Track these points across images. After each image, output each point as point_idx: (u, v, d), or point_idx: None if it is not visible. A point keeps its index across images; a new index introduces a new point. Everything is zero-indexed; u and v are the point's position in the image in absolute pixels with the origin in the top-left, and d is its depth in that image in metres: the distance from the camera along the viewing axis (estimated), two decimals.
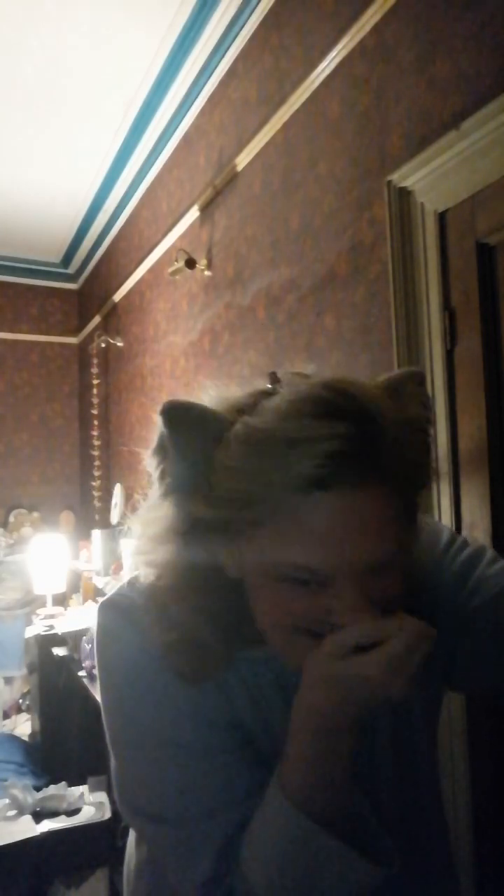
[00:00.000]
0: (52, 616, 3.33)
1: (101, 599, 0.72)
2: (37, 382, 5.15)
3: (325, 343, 2.00)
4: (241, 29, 2.43)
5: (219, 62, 2.62)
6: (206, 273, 2.80)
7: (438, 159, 1.52)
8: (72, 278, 5.17)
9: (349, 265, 1.89)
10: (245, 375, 2.50)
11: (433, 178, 1.56)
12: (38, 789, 2.17)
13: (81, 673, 2.68)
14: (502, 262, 1.47)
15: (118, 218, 4.03)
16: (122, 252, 4.12)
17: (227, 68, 2.61)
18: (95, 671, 1.25)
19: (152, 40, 2.65)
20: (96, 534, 3.68)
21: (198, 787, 0.63)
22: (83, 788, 2.17)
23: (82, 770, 2.39)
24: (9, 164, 3.64)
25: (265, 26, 2.33)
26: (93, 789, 2.18)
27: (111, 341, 4.18)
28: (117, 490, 3.97)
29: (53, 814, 2.05)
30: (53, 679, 3.08)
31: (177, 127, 3.08)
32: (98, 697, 0.72)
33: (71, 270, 5.10)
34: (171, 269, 2.87)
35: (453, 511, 1.52)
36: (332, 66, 1.94)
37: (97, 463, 4.41)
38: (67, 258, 4.95)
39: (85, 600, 3.66)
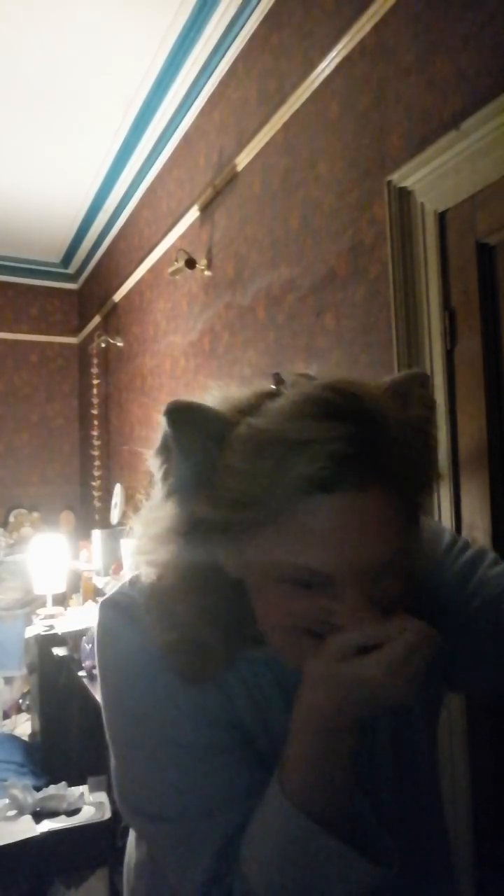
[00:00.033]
0: (52, 616, 3.33)
1: (101, 599, 0.72)
2: (37, 382, 5.15)
3: (325, 343, 2.00)
4: (241, 29, 2.43)
5: (219, 62, 2.62)
6: (206, 273, 2.80)
7: (438, 159, 1.53)
8: (72, 278, 5.17)
9: (349, 265, 1.89)
10: (245, 375, 2.50)
11: (433, 178, 1.56)
12: (38, 789, 2.17)
13: (81, 673, 2.68)
14: (502, 262, 1.47)
15: (118, 218, 4.03)
16: (122, 252, 4.12)
17: (227, 68, 2.62)
18: (95, 671, 1.25)
19: (152, 40, 2.65)
20: (96, 534, 3.68)
21: (198, 786, 0.63)
22: (83, 788, 2.17)
23: (82, 770, 2.38)
24: (9, 164, 3.64)
25: (265, 26, 2.33)
26: (93, 789, 2.18)
27: (111, 341, 4.18)
28: (117, 490, 3.97)
29: (53, 814, 2.05)
30: (53, 679, 3.07)
31: (177, 127, 3.08)
32: (98, 697, 0.72)
33: (71, 270, 5.10)
34: (171, 269, 2.87)
35: (453, 511, 1.52)
36: (332, 66, 1.94)
37: (97, 463, 4.41)
38: (67, 258, 4.95)
39: (85, 600, 3.66)
